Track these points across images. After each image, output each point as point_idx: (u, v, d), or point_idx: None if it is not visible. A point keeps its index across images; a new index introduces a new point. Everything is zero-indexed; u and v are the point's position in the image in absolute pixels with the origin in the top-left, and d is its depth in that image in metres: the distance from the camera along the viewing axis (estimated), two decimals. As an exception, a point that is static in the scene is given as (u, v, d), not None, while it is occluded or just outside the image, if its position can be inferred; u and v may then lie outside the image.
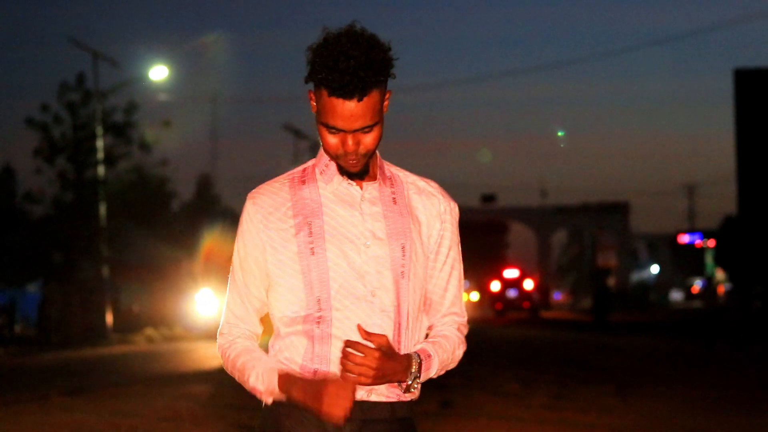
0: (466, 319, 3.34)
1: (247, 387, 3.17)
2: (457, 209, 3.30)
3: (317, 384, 3.02)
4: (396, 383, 3.10)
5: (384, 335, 3.03)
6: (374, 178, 3.19)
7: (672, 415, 13.84)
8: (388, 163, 3.28)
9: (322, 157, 3.21)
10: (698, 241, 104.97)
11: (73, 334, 36.88)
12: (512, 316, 64.12)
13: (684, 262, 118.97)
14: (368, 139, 3.08)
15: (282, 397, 3.09)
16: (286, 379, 3.08)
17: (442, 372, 3.23)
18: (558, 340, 34.12)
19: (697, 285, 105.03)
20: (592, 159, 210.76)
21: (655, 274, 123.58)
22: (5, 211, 45.57)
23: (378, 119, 3.07)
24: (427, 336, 3.26)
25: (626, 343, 32.03)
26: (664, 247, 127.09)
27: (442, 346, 3.21)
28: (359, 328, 3.03)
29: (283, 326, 3.16)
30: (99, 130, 40.45)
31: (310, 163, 3.26)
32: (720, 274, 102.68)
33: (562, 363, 23.36)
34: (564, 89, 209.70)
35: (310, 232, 3.11)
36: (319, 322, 3.09)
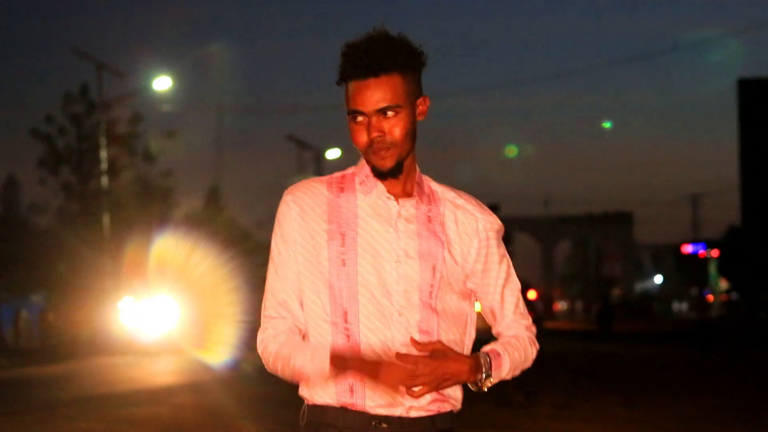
0: (530, 321, 3.33)
1: (289, 374, 3.11)
2: (497, 224, 3.25)
3: (374, 361, 3.01)
4: (462, 385, 3.13)
5: (437, 341, 3.05)
6: (411, 195, 3.15)
7: (678, 424, 13.82)
8: (428, 178, 3.24)
9: (363, 167, 3.17)
10: (702, 251, 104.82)
11: (77, 343, 36.83)
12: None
13: (688, 272, 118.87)
14: (392, 126, 3.05)
15: (332, 377, 3.06)
16: (340, 356, 3.05)
17: (518, 372, 3.25)
18: (562, 351, 34.08)
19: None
20: (596, 169, 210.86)
21: (659, 284, 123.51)
22: (9, 222, 45.59)
23: (401, 104, 3.06)
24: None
25: (631, 353, 32.01)
26: (668, 257, 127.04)
27: (513, 345, 3.21)
28: (397, 355, 3.01)
29: (313, 328, 3.13)
30: (103, 141, 40.48)
31: (350, 170, 3.22)
32: (723, 284, 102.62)
33: (567, 373, 23.34)
34: (567, 99, 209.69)
35: (343, 243, 3.08)
36: (349, 339, 3.07)
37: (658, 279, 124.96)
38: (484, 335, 3.18)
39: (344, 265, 3.08)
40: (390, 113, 3.05)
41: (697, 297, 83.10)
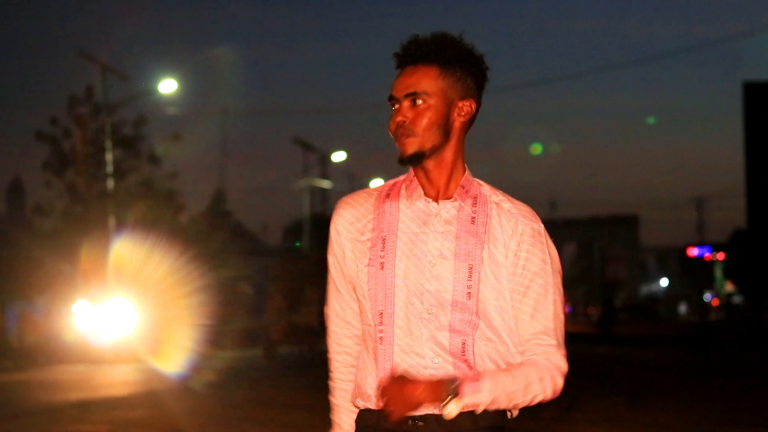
0: (558, 348, 3.19)
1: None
2: (541, 230, 3.17)
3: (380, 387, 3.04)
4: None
5: (403, 370, 3.05)
6: (453, 197, 3.16)
7: (682, 426, 13.81)
8: (482, 182, 3.23)
9: (410, 172, 3.21)
10: (707, 254, 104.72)
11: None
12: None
13: (693, 275, 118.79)
14: (417, 114, 3.10)
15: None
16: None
17: (519, 401, 3.09)
18: (567, 352, 34.03)
19: (707, 298, 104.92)
20: (602, 172, 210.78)
21: (665, 287, 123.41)
22: (14, 224, 45.62)
23: (430, 93, 3.09)
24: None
25: (636, 355, 32.00)
26: (673, 260, 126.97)
27: (509, 371, 3.07)
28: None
29: (362, 333, 3.23)
30: (108, 144, 40.50)
31: (401, 177, 3.26)
32: (729, 287, 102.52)
33: (571, 375, 23.32)
34: (573, 102, 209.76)
35: (383, 247, 3.13)
36: (382, 340, 3.10)
37: (664, 282, 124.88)
38: None
39: (383, 268, 3.13)
40: (419, 102, 3.09)
41: (696, 300, 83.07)
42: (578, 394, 18.16)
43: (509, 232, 3.13)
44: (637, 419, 14.47)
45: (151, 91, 41.15)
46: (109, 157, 40.58)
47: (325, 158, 56.32)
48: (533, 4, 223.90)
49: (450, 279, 3.09)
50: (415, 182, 3.17)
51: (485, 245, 3.11)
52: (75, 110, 41.75)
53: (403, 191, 3.20)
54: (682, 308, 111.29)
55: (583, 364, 27.65)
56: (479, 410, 3.03)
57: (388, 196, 3.22)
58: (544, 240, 3.17)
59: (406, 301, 3.09)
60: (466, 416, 3.07)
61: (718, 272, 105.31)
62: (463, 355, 3.08)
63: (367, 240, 3.17)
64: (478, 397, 3.00)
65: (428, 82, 3.10)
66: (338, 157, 54.42)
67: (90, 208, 41.25)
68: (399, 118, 3.10)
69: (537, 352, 3.13)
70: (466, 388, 2.99)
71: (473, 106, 3.16)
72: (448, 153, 3.15)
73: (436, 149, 3.12)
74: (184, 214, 54.48)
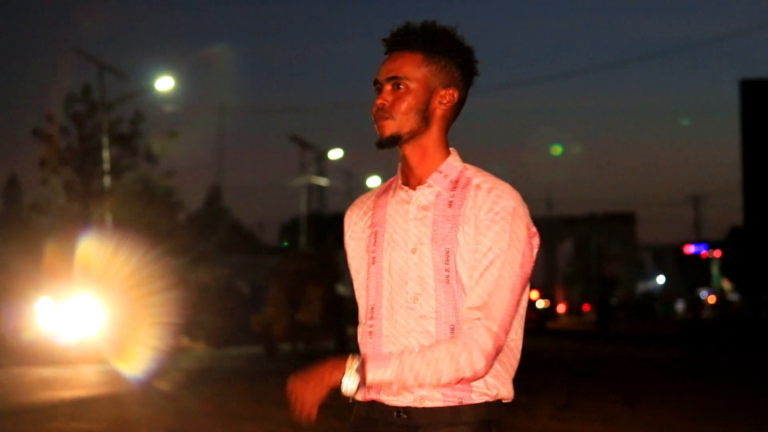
0: (487, 324, 3.02)
1: None
2: (513, 208, 3.09)
3: (316, 375, 3.10)
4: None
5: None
6: (428, 182, 3.17)
7: (679, 424, 13.81)
8: (470, 166, 3.22)
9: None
10: (704, 252, 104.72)
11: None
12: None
13: (690, 273, 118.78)
14: (397, 98, 3.13)
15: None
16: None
17: (418, 383, 3.00)
18: (564, 351, 34.08)
19: (703, 295, 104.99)
20: (599, 169, 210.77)
21: (661, 285, 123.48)
22: (11, 222, 45.61)
23: (412, 79, 3.12)
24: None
25: (632, 353, 32.01)
26: (670, 257, 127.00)
27: (421, 354, 2.99)
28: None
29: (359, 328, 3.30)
30: (105, 141, 40.48)
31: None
32: (726, 285, 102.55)
33: (568, 373, 23.32)
34: (569, 100, 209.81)
35: (375, 241, 3.20)
36: (371, 335, 3.13)
37: (661, 279, 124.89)
38: None
39: (374, 263, 3.18)
40: (400, 86, 3.12)
41: (691, 298, 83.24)
42: (575, 392, 18.16)
43: (484, 209, 3.10)
44: (634, 418, 14.47)
45: (147, 89, 41.14)
46: (105, 154, 40.57)
47: (322, 156, 56.30)
48: (528, 2, 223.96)
49: (430, 264, 3.10)
50: (400, 173, 3.22)
51: (460, 227, 3.10)
52: (72, 108, 41.75)
53: (394, 184, 3.25)
54: (680, 306, 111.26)
55: (579, 363, 27.66)
56: (385, 390, 3.06)
57: (384, 191, 3.27)
58: (511, 217, 3.08)
59: (393, 292, 3.12)
60: (448, 410, 3.07)
61: (715, 270, 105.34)
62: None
63: (367, 237, 3.23)
64: (380, 374, 2.99)
65: (411, 67, 3.13)
66: (335, 154, 54.40)
67: (87, 206, 41.22)
68: (379, 101, 3.13)
69: (464, 327, 3.02)
70: (370, 365, 3.00)
71: (455, 96, 3.17)
72: (428, 140, 3.16)
73: (414, 134, 3.14)
74: (181, 211, 54.46)
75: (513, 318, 3.12)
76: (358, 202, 3.34)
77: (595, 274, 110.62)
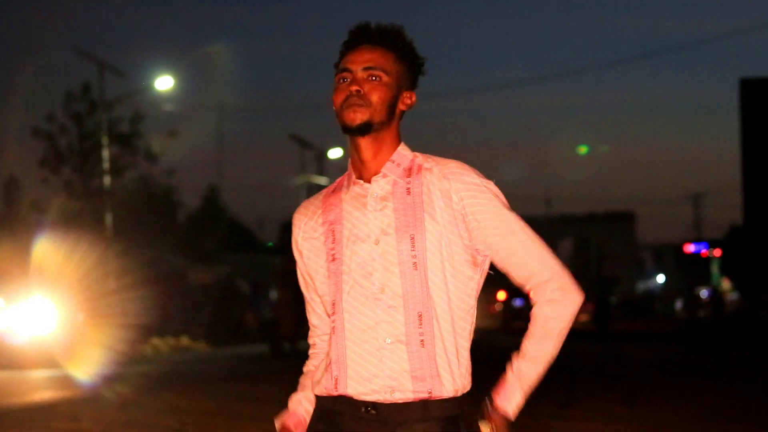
0: (560, 280, 3.23)
1: None
2: (486, 184, 3.20)
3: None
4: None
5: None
6: (382, 172, 3.21)
7: (680, 423, 13.81)
8: (418, 154, 3.26)
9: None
10: (704, 251, 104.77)
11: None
12: (518, 325, 63.96)
13: (690, 272, 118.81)
14: (373, 87, 3.15)
15: None
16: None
17: (550, 358, 3.36)
18: (563, 349, 34.05)
19: (703, 294, 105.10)
20: (598, 168, 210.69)
21: (661, 284, 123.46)
22: (10, 221, 45.59)
23: (390, 74, 3.17)
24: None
25: (632, 352, 32.00)
26: (669, 256, 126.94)
27: (530, 361, 3.28)
28: None
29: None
30: (105, 140, 40.49)
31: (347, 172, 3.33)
32: (726, 284, 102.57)
33: (568, 372, 23.33)
34: (569, 98, 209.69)
35: (333, 239, 3.18)
36: (334, 330, 3.12)
37: (660, 278, 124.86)
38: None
39: (334, 260, 3.17)
40: (375, 78, 3.15)
41: (689, 296, 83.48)
42: (575, 391, 18.16)
43: (447, 193, 3.16)
44: (633, 417, 14.47)
45: (147, 88, 41.15)
46: (105, 154, 40.56)
47: (322, 155, 56.29)
48: (530, 1, 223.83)
49: (395, 253, 3.11)
50: (350, 169, 3.25)
51: (424, 213, 3.13)
52: (71, 107, 41.76)
53: (345, 182, 3.27)
54: (679, 305, 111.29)
55: (579, 362, 27.67)
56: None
57: (334, 190, 3.28)
58: (480, 186, 3.17)
59: (356, 285, 3.12)
60: (418, 405, 3.09)
61: (715, 269, 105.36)
62: (420, 328, 3.09)
63: (321, 236, 3.21)
64: (515, 404, 3.29)
65: (389, 62, 3.18)
66: (335, 153, 54.37)
67: (86, 205, 41.22)
68: (354, 87, 3.14)
69: (540, 299, 3.23)
70: (501, 403, 3.23)
71: (413, 99, 3.23)
72: (387, 135, 3.20)
73: (381, 126, 3.17)
74: (180, 210, 54.40)
75: (549, 250, 3.24)
76: (305, 204, 3.36)
77: (595, 273, 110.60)
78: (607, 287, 77.35)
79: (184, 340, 40.79)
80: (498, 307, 69.37)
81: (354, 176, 3.21)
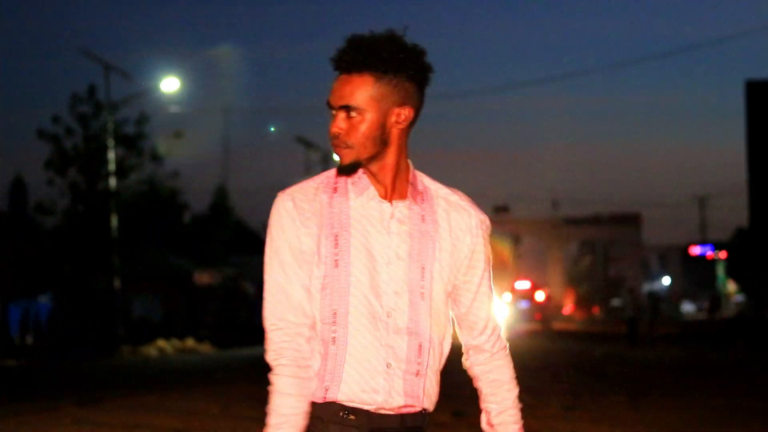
0: (499, 329, 3.35)
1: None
2: (488, 222, 3.26)
3: None
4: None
5: None
6: (404, 196, 3.13)
7: (684, 424, 13.80)
8: (423, 175, 3.22)
9: None
10: (710, 253, 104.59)
11: (84, 345, 36.91)
12: (523, 327, 63.92)
13: (695, 274, 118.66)
14: (351, 127, 3.04)
15: None
16: None
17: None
18: (570, 351, 34.06)
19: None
20: (604, 170, 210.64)
21: (667, 286, 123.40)
22: (17, 222, 45.66)
23: (364, 108, 3.03)
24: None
25: (636, 353, 31.98)
26: (675, 258, 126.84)
27: (511, 413, 3.33)
28: None
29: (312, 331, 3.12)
30: (110, 142, 40.51)
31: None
32: (731, 286, 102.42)
33: (574, 373, 23.31)
34: (575, 100, 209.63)
35: (336, 244, 3.07)
36: (334, 341, 3.06)
37: (666, 281, 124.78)
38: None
39: (337, 266, 3.06)
40: (353, 114, 3.04)
41: (711, 298, 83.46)
42: (580, 392, 18.14)
43: (463, 227, 3.15)
44: (638, 418, 14.45)
45: (153, 90, 41.20)
46: (111, 155, 40.58)
47: (327, 156, 56.30)
48: (531, 2, 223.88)
49: (405, 279, 3.07)
50: (365, 180, 3.13)
51: (436, 243, 3.11)
52: (77, 108, 41.78)
53: (350, 187, 3.14)
54: (686, 307, 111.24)
55: (584, 363, 27.64)
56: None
57: (335, 190, 3.15)
58: (484, 232, 3.23)
59: (365, 301, 3.06)
60: (395, 417, 3.09)
61: (721, 271, 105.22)
62: (419, 358, 3.09)
63: (317, 235, 3.09)
64: None
65: (361, 94, 3.03)
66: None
67: (92, 207, 41.24)
68: (334, 130, 3.05)
69: (496, 348, 3.31)
70: None
71: (411, 113, 3.09)
72: (390, 158, 3.10)
73: (374, 157, 3.07)
74: (186, 212, 54.41)
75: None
76: (302, 193, 3.14)
77: (601, 275, 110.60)
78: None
79: (190, 342, 40.85)
80: None
81: (372, 191, 3.11)
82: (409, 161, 3.18)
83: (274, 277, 3.10)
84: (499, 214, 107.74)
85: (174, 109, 47.19)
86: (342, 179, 3.16)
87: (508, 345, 3.34)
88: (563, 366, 26.37)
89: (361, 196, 3.12)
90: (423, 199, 3.15)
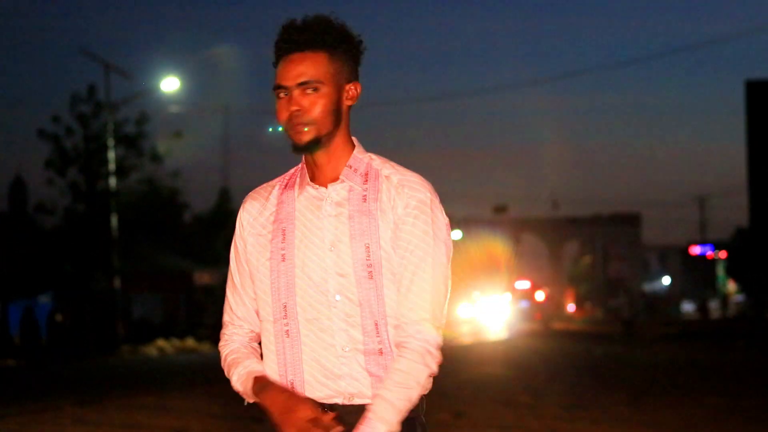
0: (432, 322, 3.07)
1: (232, 386, 3.22)
2: (430, 199, 3.12)
3: (288, 400, 3.02)
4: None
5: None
6: (340, 178, 3.13)
7: (685, 424, 13.80)
8: (374, 156, 3.21)
9: (302, 161, 3.20)
10: (710, 253, 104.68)
11: (84, 345, 36.93)
12: (523, 327, 63.96)
13: (695, 274, 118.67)
14: (311, 102, 3.06)
15: (255, 400, 3.14)
16: (260, 385, 3.11)
17: (406, 412, 3.04)
18: (570, 351, 34.06)
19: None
20: (604, 170, 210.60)
21: (667, 286, 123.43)
22: (17, 222, 45.69)
23: (323, 81, 3.07)
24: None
25: (638, 354, 31.99)
26: (675, 258, 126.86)
27: (390, 400, 3.02)
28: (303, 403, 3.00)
29: (262, 330, 3.18)
30: (110, 142, 40.51)
31: (299, 165, 3.24)
32: (731, 286, 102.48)
33: (574, 373, 23.32)
34: (575, 100, 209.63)
35: (284, 238, 3.10)
36: (288, 333, 3.08)
37: (666, 280, 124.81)
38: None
39: (284, 260, 3.10)
40: (309, 90, 3.07)
41: (701, 301, 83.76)
42: (581, 392, 18.15)
43: (399, 204, 3.10)
44: (639, 418, 14.46)
45: (153, 90, 41.19)
46: (111, 155, 40.58)
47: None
48: (532, 1, 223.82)
49: (350, 262, 3.06)
50: (304, 170, 3.17)
51: (379, 221, 3.09)
52: (77, 108, 41.76)
53: (298, 179, 3.18)
54: (686, 307, 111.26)
55: (584, 363, 27.65)
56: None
57: (286, 186, 3.20)
58: (429, 210, 3.10)
59: (310, 291, 3.07)
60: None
61: (721, 271, 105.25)
62: (377, 337, 3.07)
63: (268, 233, 3.14)
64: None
65: (319, 69, 3.08)
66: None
67: (92, 207, 41.23)
68: (293, 108, 3.06)
69: (410, 333, 3.05)
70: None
71: (358, 89, 3.16)
72: (338, 138, 3.14)
73: (331, 135, 3.11)
74: (187, 212, 54.40)
75: (442, 299, 3.13)
76: (255, 196, 3.23)
77: (600, 274, 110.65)
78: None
79: (190, 342, 40.87)
80: None
81: (308, 178, 3.14)
82: (356, 141, 3.20)
83: (230, 276, 3.25)
84: (498, 214, 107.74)
85: (174, 109, 47.21)
86: (295, 174, 3.20)
87: (427, 350, 3.05)
88: (563, 366, 26.37)
89: (302, 186, 3.15)
90: (366, 180, 3.14)
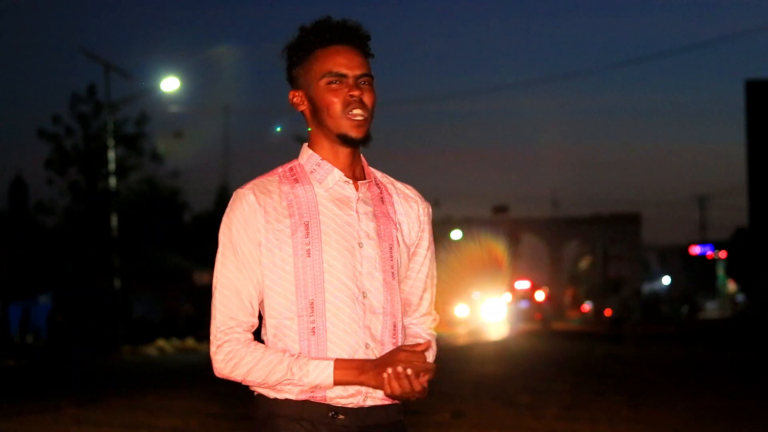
0: (435, 319, 3.31)
1: (269, 383, 3.04)
2: (430, 210, 3.31)
3: (376, 360, 3.01)
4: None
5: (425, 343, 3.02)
6: (364, 178, 3.18)
7: (684, 425, 13.81)
8: (366, 164, 3.26)
9: (311, 156, 3.17)
10: (710, 253, 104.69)
11: (84, 344, 36.93)
12: (523, 327, 63.95)
13: (695, 274, 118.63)
14: (368, 97, 3.09)
15: (330, 386, 3.01)
16: (353, 366, 3.01)
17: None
18: (570, 351, 34.07)
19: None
20: (604, 170, 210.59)
21: (667, 286, 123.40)
22: (17, 222, 45.68)
23: (372, 80, 3.12)
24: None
25: (638, 354, 32.01)
26: (675, 258, 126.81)
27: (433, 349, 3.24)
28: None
29: (276, 327, 3.09)
30: (110, 142, 40.51)
31: (294, 162, 3.21)
32: (731, 285, 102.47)
33: (574, 373, 23.32)
34: (576, 100, 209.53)
35: (307, 233, 3.06)
36: (314, 331, 3.05)
37: (666, 280, 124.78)
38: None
39: (309, 255, 3.05)
40: (367, 84, 3.10)
41: (691, 303, 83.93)
42: (580, 392, 18.16)
43: (412, 215, 3.22)
44: (638, 418, 14.47)
45: (153, 89, 41.16)
46: (111, 155, 40.58)
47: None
48: (533, 2, 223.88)
49: (378, 259, 3.10)
50: (326, 166, 3.14)
51: (395, 224, 3.17)
52: (77, 108, 41.78)
53: (310, 175, 3.15)
54: (686, 306, 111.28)
55: (584, 363, 27.67)
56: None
57: (296, 180, 3.15)
58: (428, 219, 3.28)
59: (340, 286, 3.06)
60: (380, 410, 3.08)
61: (721, 270, 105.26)
62: (393, 338, 3.10)
63: (287, 228, 3.07)
64: None
65: (369, 67, 3.14)
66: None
67: (92, 206, 41.24)
68: (356, 98, 3.07)
69: (430, 330, 3.27)
70: None
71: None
72: None
73: None
74: (186, 212, 54.38)
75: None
76: (260, 188, 3.12)
77: (600, 274, 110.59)
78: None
79: (190, 342, 40.86)
80: None
81: (336, 174, 3.11)
82: None
83: (226, 274, 3.10)
84: (498, 214, 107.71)
85: (174, 109, 47.22)
86: (299, 170, 3.17)
87: (435, 335, 3.30)
88: (563, 365, 26.38)
89: (325, 181, 3.13)
90: (376, 183, 3.21)
